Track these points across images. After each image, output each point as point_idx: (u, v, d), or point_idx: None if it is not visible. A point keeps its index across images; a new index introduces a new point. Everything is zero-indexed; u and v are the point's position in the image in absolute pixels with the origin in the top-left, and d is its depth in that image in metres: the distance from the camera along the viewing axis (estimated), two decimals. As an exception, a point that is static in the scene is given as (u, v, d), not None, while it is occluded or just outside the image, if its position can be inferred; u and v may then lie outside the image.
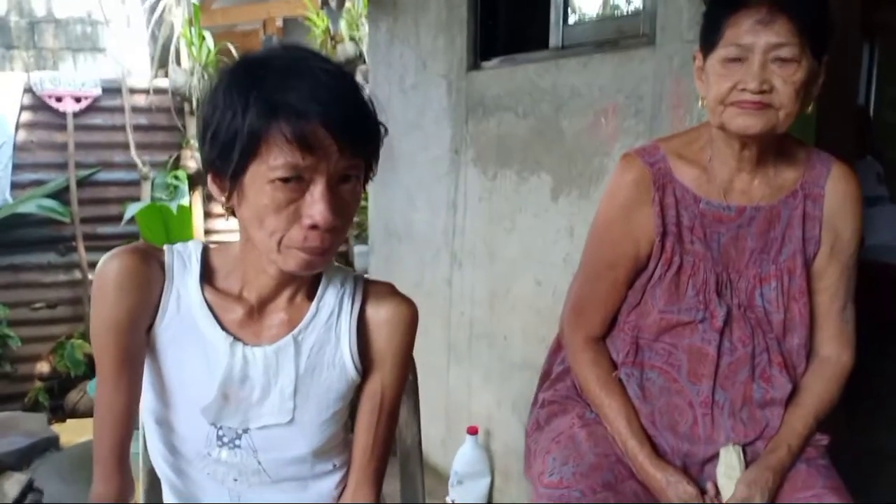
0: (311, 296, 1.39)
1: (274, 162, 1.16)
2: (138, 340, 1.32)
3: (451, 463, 3.43)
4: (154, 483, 1.52)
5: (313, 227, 1.20)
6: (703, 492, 1.69)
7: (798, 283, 1.72)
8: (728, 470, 1.69)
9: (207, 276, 1.37)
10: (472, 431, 3.38)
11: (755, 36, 1.56)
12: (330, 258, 1.28)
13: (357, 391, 1.44)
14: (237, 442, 1.37)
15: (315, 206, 1.18)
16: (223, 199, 1.26)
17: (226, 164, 1.20)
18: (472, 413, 3.54)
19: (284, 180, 1.17)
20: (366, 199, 4.45)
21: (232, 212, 1.28)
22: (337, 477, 1.48)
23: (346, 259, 6.01)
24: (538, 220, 3.09)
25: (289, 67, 1.19)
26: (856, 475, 1.80)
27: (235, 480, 1.41)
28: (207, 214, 6.09)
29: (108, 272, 1.29)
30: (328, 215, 1.19)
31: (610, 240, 1.79)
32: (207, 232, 6.03)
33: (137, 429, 1.46)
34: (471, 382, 3.56)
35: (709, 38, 1.64)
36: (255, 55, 1.24)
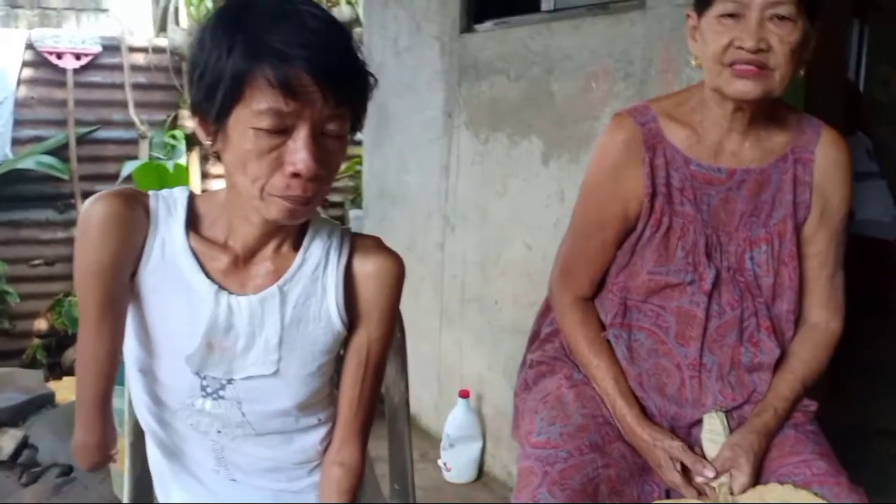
0: (297, 246, 1.38)
1: (257, 107, 1.15)
2: (122, 286, 1.31)
3: (443, 426, 3.43)
4: (139, 436, 1.53)
5: (296, 175, 1.18)
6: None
7: (788, 247, 1.72)
8: (712, 435, 1.69)
9: (193, 223, 1.35)
10: (464, 395, 3.38)
11: None
12: (314, 208, 1.27)
13: (343, 345, 1.44)
14: (221, 392, 1.36)
15: (298, 153, 1.17)
16: (208, 142, 1.25)
17: (210, 106, 1.18)
18: (464, 376, 3.55)
19: (268, 126, 1.16)
20: (360, 163, 4.44)
21: (218, 157, 1.26)
22: (322, 431, 1.48)
23: (342, 223, 6.01)
24: (529, 185, 3.09)
25: (276, 10, 1.17)
26: (843, 450, 1.79)
27: (219, 432, 1.40)
28: (204, 175, 6.07)
29: (92, 216, 1.27)
30: (311, 163, 1.17)
31: (598, 199, 1.78)
32: (204, 192, 6.01)
33: (122, 385, 1.46)
34: (462, 346, 3.57)
35: None
36: None
